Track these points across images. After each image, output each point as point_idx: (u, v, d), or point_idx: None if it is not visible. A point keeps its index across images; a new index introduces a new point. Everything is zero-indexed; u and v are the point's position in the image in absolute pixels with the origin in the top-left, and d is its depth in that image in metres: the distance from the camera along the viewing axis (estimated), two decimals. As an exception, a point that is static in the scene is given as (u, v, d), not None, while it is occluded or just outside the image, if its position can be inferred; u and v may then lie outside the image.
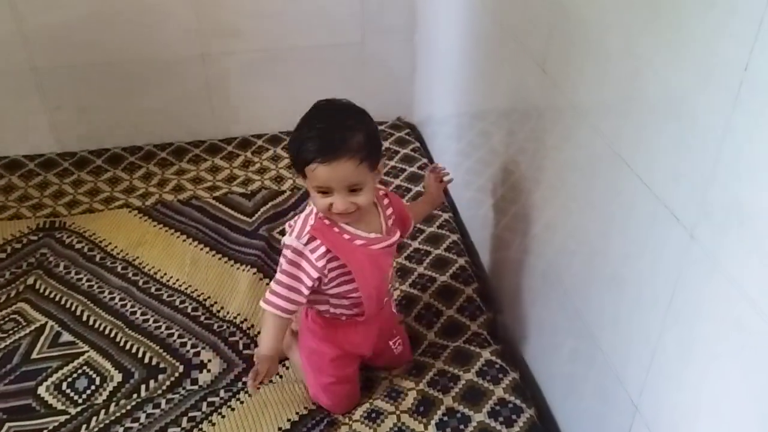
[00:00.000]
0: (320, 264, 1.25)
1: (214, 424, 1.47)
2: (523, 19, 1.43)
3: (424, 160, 2.27)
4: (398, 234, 1.37)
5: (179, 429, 1.46)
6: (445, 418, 1.39)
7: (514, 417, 1.38)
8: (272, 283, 1.29)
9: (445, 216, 1.98)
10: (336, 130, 1.18)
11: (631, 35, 0.98)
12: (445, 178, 1.57)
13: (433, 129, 2.37)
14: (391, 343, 1.50)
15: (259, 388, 1.33)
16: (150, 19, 2.23)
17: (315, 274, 1.25)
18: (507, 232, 1.65)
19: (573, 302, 1.28)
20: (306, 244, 1.25)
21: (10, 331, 1.72)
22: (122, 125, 2.41)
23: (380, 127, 2.37)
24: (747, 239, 0.77)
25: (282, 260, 1.27)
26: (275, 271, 1.31)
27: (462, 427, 1.37)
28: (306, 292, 1.27)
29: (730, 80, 0.76)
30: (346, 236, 1.27)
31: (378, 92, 2.41)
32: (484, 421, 1.37)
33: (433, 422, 1.39)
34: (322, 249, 1.25)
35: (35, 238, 2.04)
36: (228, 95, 2.43)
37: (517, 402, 1.41)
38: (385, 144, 2.35)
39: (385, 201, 1.38)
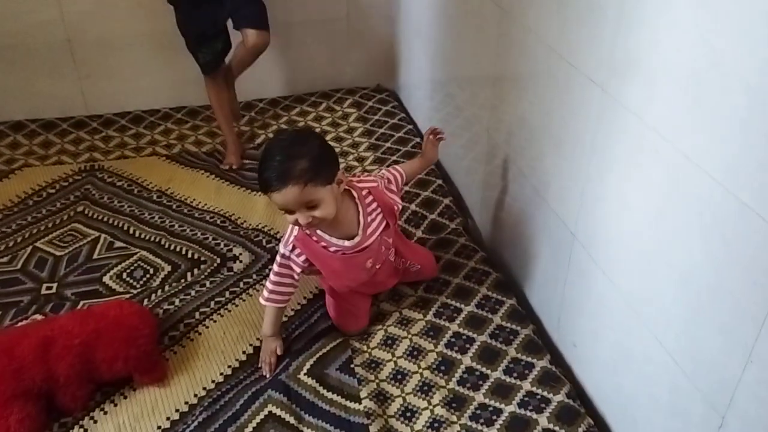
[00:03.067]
0: (304, 264, 1.56)
1: (250, 295, 1.86)
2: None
3: (402, 114, 2.70)
4: (377, 233, 1.55)
5: (223, 299, 1.85)
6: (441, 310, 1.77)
7: (497, 307, 1.75)
8: (267, 282, 1.59)
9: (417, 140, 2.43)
10: (281, 162, 1.36)
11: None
12: (441, 137, 1.81)
13: (409, 92, 2.81)
14: (408, 265, 1.76)
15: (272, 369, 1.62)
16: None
17: (299, 269, 1.56)
18: (471, 148, 2.09)
19: (529, 180, 1.72)
20: (291, 251, 1.54)
21: (71, 242, 2.09)
22: (139, 90, 2.79)
23: (364, 91, 2.82)
24: (645, 85, 1.21)
25: (275, 264, 1.57)
26: None
27: (455, 315, 1.74)
28: (295, 282, 1.59)
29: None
30: (323, 244, 1.51)
31: (360, 62, 2.85)
32: (472, 311, 1.74)
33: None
34: (303, 256, 1.54)
35: (79, 177, 2.41)
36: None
37: (499, 296, 1.78)
38: (369, 103, 2.78)
39: (369, 199, 1.55)
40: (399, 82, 2.93)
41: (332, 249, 1.52)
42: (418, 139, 2.52)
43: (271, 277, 1.60)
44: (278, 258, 1.57)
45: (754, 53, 0.93)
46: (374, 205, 1.56)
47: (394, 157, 2.41)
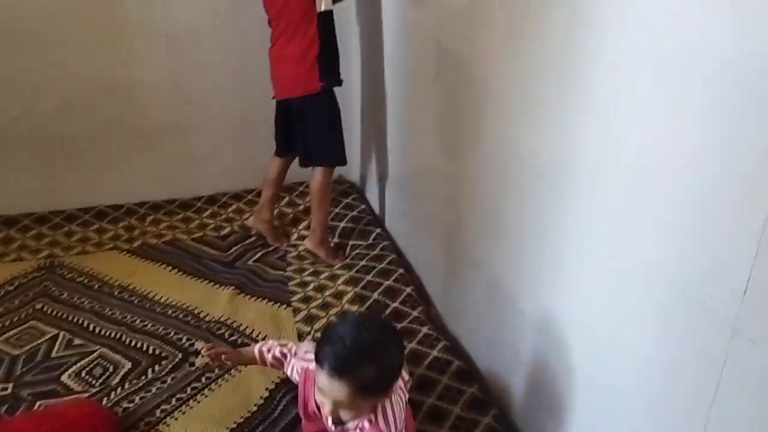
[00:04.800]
0: (292, 376, 1.54)
1: (212, 390, 1.85)
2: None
3: (363, 206, 2.77)
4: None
5: (184, 395, 1.82)
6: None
7: (458, 397, 1.75)
8: (269, 345, 1.59)
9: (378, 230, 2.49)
10: (351, 354, 1.22)
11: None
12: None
13: (371, 184, 2.89)
14: None
15: (207, 355, 1.60)
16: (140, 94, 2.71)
17: (289, 374, 1.55)
18: (431, 238, 2.16)
19: (487, 269, 1.78)
20: (294, 372, 1.51)
21: (28, 340, 2.06)
22: (106, 186, 2.82)
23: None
24: (586, 180, 1.30)
25: (285, 347, 1.56)
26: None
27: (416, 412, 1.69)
28: (279, 367, 1.59)
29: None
30: (314, 403, 1.39)
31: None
32: (433, 403, 1.74)
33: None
34: (296, 376, 1.50)
35: (38, 274, 2.39)
36: (198, 160, 2.89)
37: (461, 386, 1.79)
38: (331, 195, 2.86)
39: (378, 426, 1.34)
40: (360, 174, 3.01)
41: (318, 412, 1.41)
42: (379, 230, 2.58)
43: (275, 346, 1.57)
44: (290, 351, 1.54)
45: (684, 153, 1.02)
46: (374, 420, 1.35)
47: (357, 251, 2.47)
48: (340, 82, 2.34)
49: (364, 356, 1.23)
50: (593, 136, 1.25)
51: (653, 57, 1.07)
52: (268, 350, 1.59)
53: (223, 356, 1.61)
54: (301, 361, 1.50)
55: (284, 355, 1.57)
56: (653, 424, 1.18)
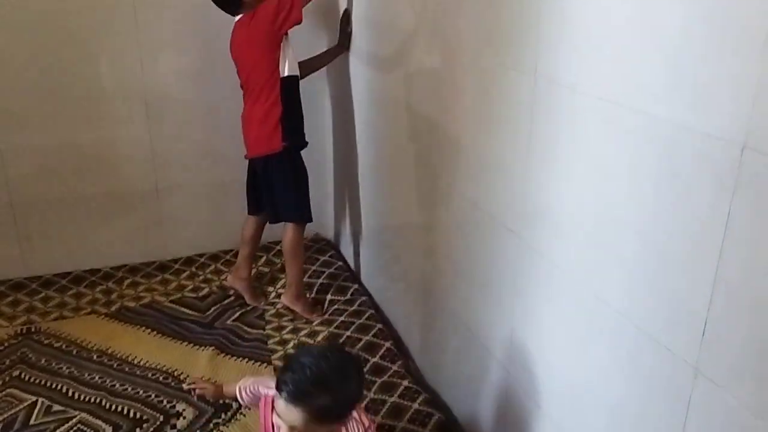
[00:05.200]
0: (248, 398, 1.61)
1: (195, 453, 1.85)
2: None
3: (340, 263, 2.82)
4: None
5: (167, 457, 1.83)
6: None
7: (426, 420, 1.85)
8: (247, 384, 1.62)
9: (356, 286, 2.53)
10: (307, 382, 1.28)
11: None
12: None
13: (346, 240, 2.95)
14: None
15: (189, 390, 1.76)
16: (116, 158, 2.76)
17: (243, 398, 1.63)
18: (408, 291, 2.21)
19: (462, 320, 1.83)
20: (259, 393, 1.56)
21: (6, 408, 2.04)
22: (83, 250, 2.84)
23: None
24: (552, 232, 1.38)
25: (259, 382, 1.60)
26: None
27: None
28: (248, 399, 1.62)
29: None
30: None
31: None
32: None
33: None
34: (260, 408, 1.50)
35: (15, 341, 2.38)
36: (175, 222, 2.93)
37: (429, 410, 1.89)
38: (307, 253, 2.91)
39: None
40: (335, 231, 3.08)
41: None
42: (356, 286, 2.63)
43: (250, 386, 1.60)
44: (254, 385, 1.59)
45: (640, 211, 1.11)
46: None
47: (335, 306, 2.51)
48: (303, 144, 2.44)
49: (320, 385, 1.28)
50: (558, 192, 1.34)
51: (608, 125, 1.17)
52: (245, 388, 1.62)
53: (203, 387, 1.74)
54: (264, 389, 1.54)
55: (256, 395, 1.59)
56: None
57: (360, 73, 2.50)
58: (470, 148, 1.68)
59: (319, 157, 2.95)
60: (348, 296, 2.56)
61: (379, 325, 2.36)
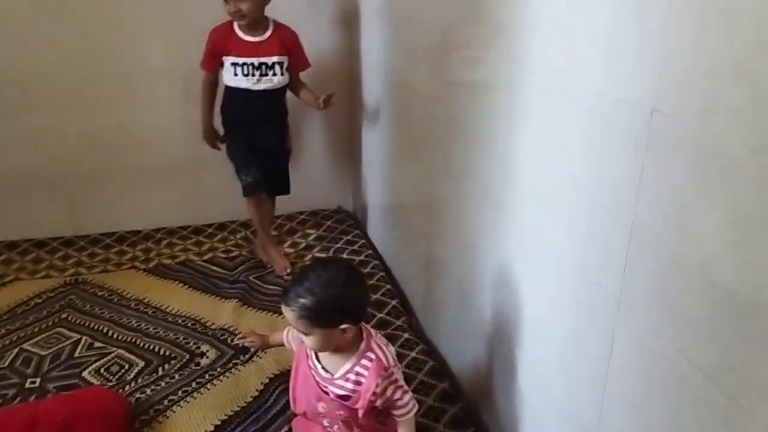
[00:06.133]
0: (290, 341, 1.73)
1: (214, 385, 2.10)
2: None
3: (357, 231, 3.05)
4: (343, 391, 1.54)
5: (189, 389, 2.08)
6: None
7: (430, 391, 2.07)
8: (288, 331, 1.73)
9: (370, 251, 2.75)
10: (298, 286, 1.46)
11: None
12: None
13: (365, 214, 3.17)
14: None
15: (240, 342, 1.99)
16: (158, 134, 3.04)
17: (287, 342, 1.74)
18: (414, 258, 2.42)
19: (460, 285, 2.03)
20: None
21: (54, 343, 2.33)
22: (126, 214, 3.13)
23: (325, 213, 3.17)
24: (521, 192, 1.57)
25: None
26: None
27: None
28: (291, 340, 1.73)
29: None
30: (309, 362, 1.60)
31: (323, 186, 3.24)
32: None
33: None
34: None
35: (64, 289, 2.68)
36: (210, 191, 3.19)
37: (433, 382, 2.09)
38: (328, 223, 3.14)
39: (365, 364, 1.52)
40: (357, 204, 3.30)
41: (309, 363, 1.60)
42: (370, 251, 2.85)
43: (293, 331, 1.67)
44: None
45: (570, 172, 1.30)
46: (360, 377, 1.53)
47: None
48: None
49: (305, 290, 1.45)
50: (526, 163, 1.53)
51: (560, 97, 1.35)
52: (292, 330, 1.69)
53: (252, 340, 1.92)
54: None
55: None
56: (566, 391, 1.42)
57: (384, 57, 2.71)
58: (464, 125, 1.88)
59: (340, 137, 3.19)
60: (362, 258, 2.79)
61: (388, 286, 2.58)
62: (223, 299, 2.60)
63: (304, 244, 3.00)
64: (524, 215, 1.57)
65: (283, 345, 1.78)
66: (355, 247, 2.90)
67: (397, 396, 1.54)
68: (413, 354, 2.17)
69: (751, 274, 0.92)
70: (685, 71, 1.01)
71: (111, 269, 2.85)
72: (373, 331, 1.59)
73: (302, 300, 1.45)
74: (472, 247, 1.89)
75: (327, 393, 1.56)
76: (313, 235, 3.09)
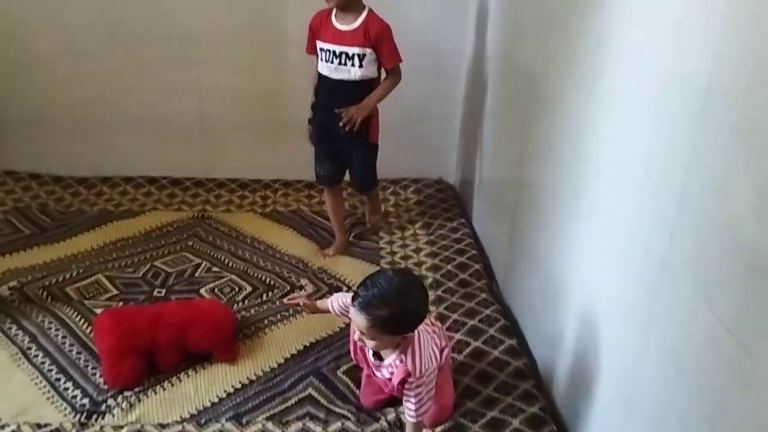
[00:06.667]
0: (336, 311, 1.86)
1: (309, 314, 2.37)
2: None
3: (454, 201, 3.24)
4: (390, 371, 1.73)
5: (287, 313, 2.38)
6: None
7: (499, 345, 2.19)
8: (338, 298, 1.85)
9: (462, 220, 2.94)
10: (373, 296, 1.57)
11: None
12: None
13: (464, 187, 3.35)
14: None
15: (288, 303, 2.07)
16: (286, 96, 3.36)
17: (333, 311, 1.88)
18: (501, 230, 2.59)
19: (543, 263, 2.19)
20: (347, 304, 1.73)
21: (180, 263, 2.71)
22: (250, 164, 3.49)
23: (426, 181, 3.38)
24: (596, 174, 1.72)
25: (341, 296, 1.85)
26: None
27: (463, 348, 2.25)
28: (340, 312, 1.84)
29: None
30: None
31: (425, 157, 3.46)
32: (478, 346, 2.18)
33: (444, 316, 2.27)
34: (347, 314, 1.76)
35: (191, 222, 3.07)
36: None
37: (502, 337, 2.23)
38: (428, 191, 3.34)
39: (396, 369, 1.69)
40: (456, 177, 3.49)
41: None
42: (463, 220, 3.05)
43: (340, 299, 1.84)
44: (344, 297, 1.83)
45: (637, 154, 1.43)
46: (394, 369, 1.71)
47: (441, 232, 2.95)
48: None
49: (381, 301, 1.57)
50: (600, 144, 1.67)
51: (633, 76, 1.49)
52: (336, 301, 1.87)
53: (302, 303, 2.00)
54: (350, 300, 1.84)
55: (346, 306, 1.79)
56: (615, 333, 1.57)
57: (493, 39, 2.86)
58: (551, 104, 2.02)
59: (446, 112, 3.38)
60: (454, 225, 3.00)
61: (474, 251, 2.77)
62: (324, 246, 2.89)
63: (405, 207, 3.23)
64: (599, 200, 1.70)
65: (329, 312, 1.92)
66: (450, 214, 3.11)
67: (411, 397, 1.69)
68: (487, 312, 2.35)
69: None
70: (742, 52, 1.13)
71: (232, 210, 3.22)
72: (418, 334, 1.70)
73: (379, 312, 1.56)
74: (550, 225, 2.04)
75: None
76: (413, 200, 3.31)
